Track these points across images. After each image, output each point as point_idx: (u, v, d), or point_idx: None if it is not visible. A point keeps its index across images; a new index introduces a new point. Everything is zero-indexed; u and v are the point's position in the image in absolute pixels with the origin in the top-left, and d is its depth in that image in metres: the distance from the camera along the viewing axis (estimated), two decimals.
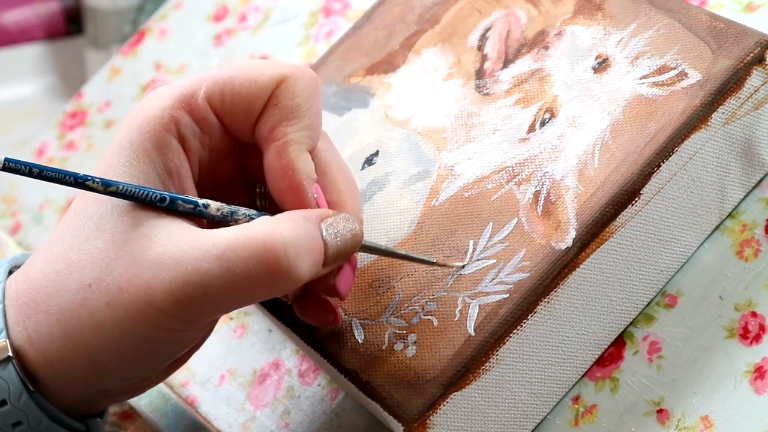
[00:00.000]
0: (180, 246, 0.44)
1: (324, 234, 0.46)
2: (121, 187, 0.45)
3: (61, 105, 1.01)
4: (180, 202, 0.46)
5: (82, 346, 0.45)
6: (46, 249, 0.47)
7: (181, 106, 0.48)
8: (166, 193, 0.46)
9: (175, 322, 0.44)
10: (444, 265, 0.50)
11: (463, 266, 0.50)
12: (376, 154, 0.56)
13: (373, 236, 0.54)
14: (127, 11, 1.07)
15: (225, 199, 0.48)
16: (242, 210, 0.47)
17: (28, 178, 0.44)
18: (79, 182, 0.45)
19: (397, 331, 0.50)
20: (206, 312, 0.45)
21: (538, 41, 0.56)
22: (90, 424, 0.49)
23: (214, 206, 0.47)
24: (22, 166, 0.44)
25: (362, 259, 0.53)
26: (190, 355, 0.50)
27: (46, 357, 0.46)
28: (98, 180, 0.45)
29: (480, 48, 0.57)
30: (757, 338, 0.49)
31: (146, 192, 0.45)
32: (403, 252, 0.51)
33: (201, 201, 0.46)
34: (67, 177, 0.45)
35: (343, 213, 0.48)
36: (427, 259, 0.50)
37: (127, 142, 0.47)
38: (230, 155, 0.50)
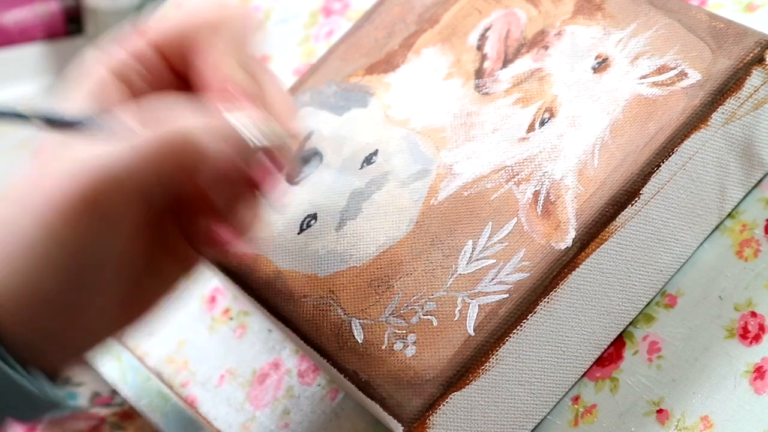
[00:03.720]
0: (84, 147, 0.45)
1: (233, 121, 0.46)
2: None
3: None
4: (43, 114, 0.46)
5: (9, 267, 0.44)
6: None
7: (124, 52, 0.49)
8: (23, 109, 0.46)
9: (90, 219, 0.44)
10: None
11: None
12: (376, 153, 0.56)
13: (372, 234, 0.54)
14: (127, 11, 1.07)
15: None
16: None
17: None
18: None
19: (397, 331, 0.50)
20: (117, 204, 0.44)
21: (537, 41, 0.55)
22: (32, 372, 0.47)
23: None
24: None
25: (361, 258, 0.53)
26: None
27: None
28: None
29: (479, 48, 0.57)
30: (756, 338, 0.49)
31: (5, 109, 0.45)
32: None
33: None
34: None
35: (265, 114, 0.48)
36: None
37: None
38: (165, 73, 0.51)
